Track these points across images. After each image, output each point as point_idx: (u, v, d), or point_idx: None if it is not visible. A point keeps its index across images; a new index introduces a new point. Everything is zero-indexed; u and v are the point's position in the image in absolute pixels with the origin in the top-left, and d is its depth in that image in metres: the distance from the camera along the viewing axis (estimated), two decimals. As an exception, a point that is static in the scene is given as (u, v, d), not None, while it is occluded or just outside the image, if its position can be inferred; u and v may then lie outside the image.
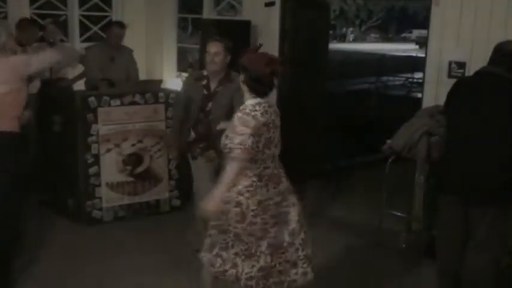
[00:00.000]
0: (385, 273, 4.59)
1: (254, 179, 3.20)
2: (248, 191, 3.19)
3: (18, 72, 3.75)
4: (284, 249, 3.30)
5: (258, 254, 3.21)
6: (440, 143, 4.20)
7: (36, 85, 6.06)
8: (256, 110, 3.15)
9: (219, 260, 3.25)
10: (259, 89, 3.20)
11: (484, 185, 3.53)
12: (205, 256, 3.32)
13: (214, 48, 4.32)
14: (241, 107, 3.23)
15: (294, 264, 3.34)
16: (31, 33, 5.80)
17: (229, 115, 3.83)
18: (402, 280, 4.49)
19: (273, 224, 3.26)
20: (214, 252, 3.26)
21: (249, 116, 3.13)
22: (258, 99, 3.20)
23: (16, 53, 5.63)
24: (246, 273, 3.20)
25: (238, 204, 3.18)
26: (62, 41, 6.37)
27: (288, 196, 3.41)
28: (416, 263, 4.73)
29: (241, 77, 3.25)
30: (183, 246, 4.77)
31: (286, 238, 3.31)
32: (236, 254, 3.22)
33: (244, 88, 3.24)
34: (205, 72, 4.47)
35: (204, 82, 4.43)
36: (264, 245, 3.21)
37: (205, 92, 4.42)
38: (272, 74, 3.18)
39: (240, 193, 3.18)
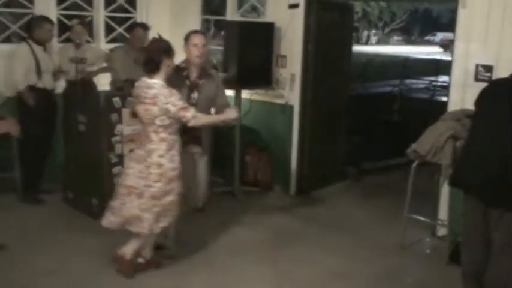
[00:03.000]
0: (409, 279, 4.54)
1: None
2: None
3: None
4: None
5: None
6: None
7: (62, 85, 6.14)
8: None
9: None
10: None
11: (500, 187, 3.49)
12: None
13: (203, 40, 4.45)
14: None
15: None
16: (49, 30, 5.85)
17: (209, 108, 4.55)
18: (427, 286, 4.44)
19: None
20: None
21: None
22: None
23: (35, 53, 5.71)
24: None
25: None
26: (87, 42, 6.42)
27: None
28: (441, 269, 4.67)
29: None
30: (206, 246, 4.79)
31: None
32: None
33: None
34: (183, 64, 4.52)
35: (186, 73, 4.49)
36: None
37: (187, 82, 4.50)
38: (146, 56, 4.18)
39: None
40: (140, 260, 4.41)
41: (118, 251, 4.33)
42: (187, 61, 4.50)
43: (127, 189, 4.15)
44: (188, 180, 4.40)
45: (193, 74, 4.50)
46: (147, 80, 4.10)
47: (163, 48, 4.11)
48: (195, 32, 4.59)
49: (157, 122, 4.06)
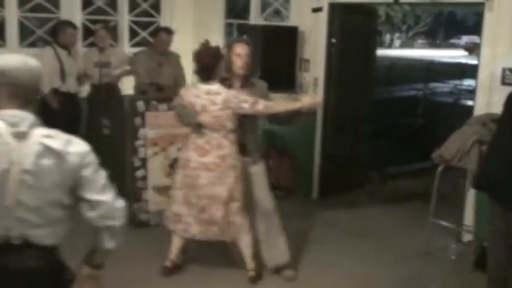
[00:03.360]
0: (433, 285, 4.48)
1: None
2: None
3: None
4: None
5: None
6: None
7: (86, 89, 6.21)
8: None
9: None
10: None
11: None
12: None
13: (246, 50, 4.23)
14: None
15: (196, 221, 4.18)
16: (72, 35, 5.93)
17: (254, 119, 4.27)
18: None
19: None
20: None
21: None
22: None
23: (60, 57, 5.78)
24: None
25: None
26: (111, 46, 6.48)
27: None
28: (466, 275, 4.60)
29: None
30: (226, 251, 4.78)
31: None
32: None
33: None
34: (224, 73, 4.30)
35: (228, 83, 4.29)
36: None
37: None
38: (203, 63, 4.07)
39: None
40: (167, 263, 4.42)
41: (250, 274, 4.31)
42: (229, 70, 4.25)
43: (211, 200, 4.07)
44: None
45: (236, 83, 4.25)
46: (206, 87, 4.04)
47: (216, 54, 4.10)
48: (239, 40, 4.46)
49: (228, 125, 4.04)
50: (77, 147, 2.09)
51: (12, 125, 1.98)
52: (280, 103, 4.36)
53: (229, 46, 4.37)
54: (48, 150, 2.01)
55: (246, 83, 4.30)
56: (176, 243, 4.40)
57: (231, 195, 4.09)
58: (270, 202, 4.38)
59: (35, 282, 2.09)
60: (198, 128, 4.05)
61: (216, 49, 4.15)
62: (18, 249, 2.03)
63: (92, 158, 2.15)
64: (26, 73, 2.04)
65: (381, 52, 21.04)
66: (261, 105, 4.03)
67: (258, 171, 4.37)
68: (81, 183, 2.11)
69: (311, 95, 4.32)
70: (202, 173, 4.05)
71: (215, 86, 4.03)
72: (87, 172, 2.11)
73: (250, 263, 4.32)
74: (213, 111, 3.98)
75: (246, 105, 3.99)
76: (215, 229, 4.17)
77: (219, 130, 4.02)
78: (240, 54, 4.19)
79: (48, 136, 2.03)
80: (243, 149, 4.24)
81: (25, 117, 2.02)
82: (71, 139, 2.09)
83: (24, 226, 2.01)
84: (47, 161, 2.01)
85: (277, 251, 4.42)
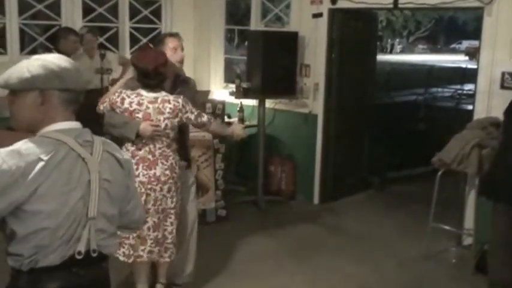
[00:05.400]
0: (434, 288, 4.49)
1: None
2: None
3: None
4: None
5: None
6: (492, 155, 4.10)
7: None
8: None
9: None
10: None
11: None
12: None
13: (181, 43, 4.01)
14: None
15: (144, 241, 3.71)
16: (75, 41, 5.93)
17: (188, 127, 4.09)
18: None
19: None
20: None
21: None
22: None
23: None
24: None
25: None
26: (109, 50, 6.44)
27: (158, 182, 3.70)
28: (466, 278, 4.61)
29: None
30: (229, 255, 4.79)
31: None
32: None
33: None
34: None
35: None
36: None
37: None
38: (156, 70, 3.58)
39: None
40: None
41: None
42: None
43: (164, 214, 3.79)
44: None
45: (167, 82, 3.83)
46: (151, 95, 3.66)
47: (166, 58, 3.73)
48: (172, 34, 4.09)
49: (171, 134, 3.76)
50: (126, 155, 2.07)
51: (77, 136, 1.91)
52: (216, 122, 4.13)
53: (159, 41, 4.05)
54: (112, 158, 1.99)
55: (177, 81, 3.99)
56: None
57: (178, 206, 3.86)
58: (195, 213, 4.21)
59: None
60: (138, 138, 3.64)
61: (164, 53, 3.78)
62: (95, 262, 1.95)
63: None
64: (77, 75, 1.92)
65: (382, 57, 21.09)
66: (205, 118, 3.84)
67: (190, 180, 4.17)
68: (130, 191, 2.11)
69: (240, 126, 4.16)
70: (156, 186, 3.68)
71: (162, 94, 3.67)
72: (133, 182, 2.10)
73: (164, 277, 4.02)
74: (158, 120, 3.62)
75: (192, 116, 3.74)
76: (162, 248, 3.80)
77: (161, 140, 3.69)
78: (176, 48, 3.96)
79: (105, 143, 1.99)
80: (185, 158, 4.03)
81: (81, 126, 1.96)
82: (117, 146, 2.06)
83: (101, 237, 1.95)
84: (116, 169, 1.99)
85: (189, 267, 4.20)
